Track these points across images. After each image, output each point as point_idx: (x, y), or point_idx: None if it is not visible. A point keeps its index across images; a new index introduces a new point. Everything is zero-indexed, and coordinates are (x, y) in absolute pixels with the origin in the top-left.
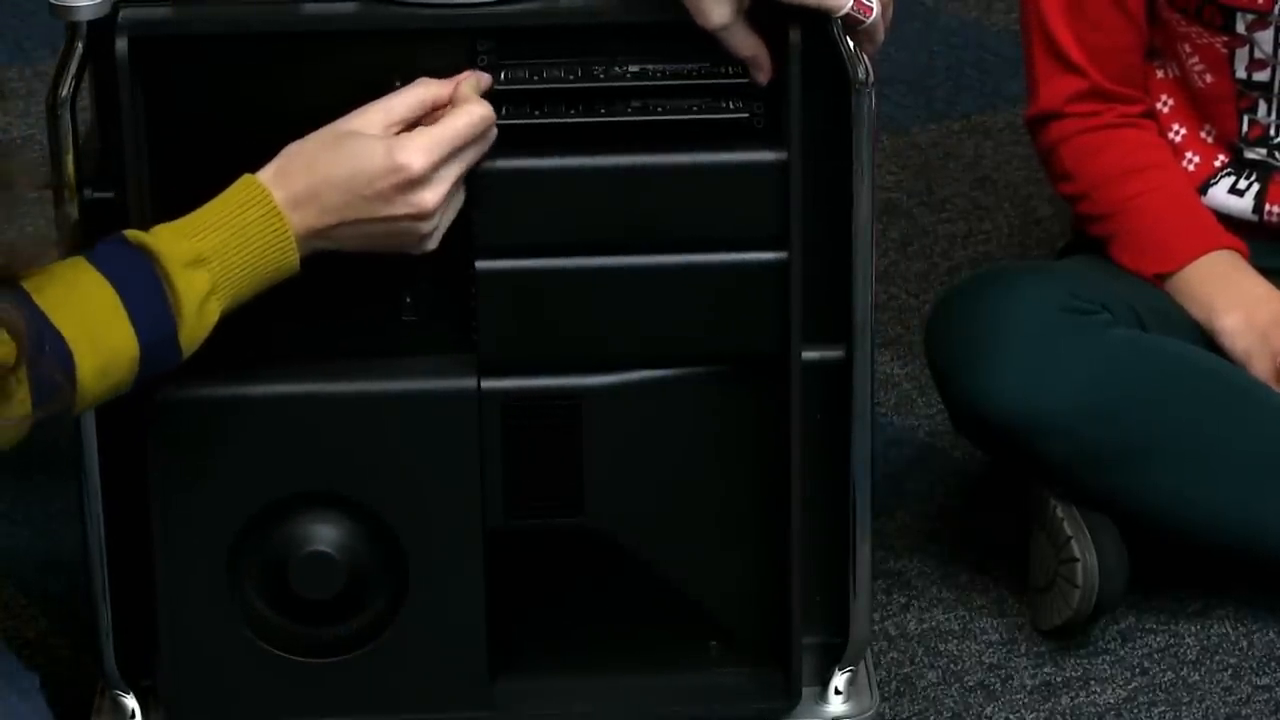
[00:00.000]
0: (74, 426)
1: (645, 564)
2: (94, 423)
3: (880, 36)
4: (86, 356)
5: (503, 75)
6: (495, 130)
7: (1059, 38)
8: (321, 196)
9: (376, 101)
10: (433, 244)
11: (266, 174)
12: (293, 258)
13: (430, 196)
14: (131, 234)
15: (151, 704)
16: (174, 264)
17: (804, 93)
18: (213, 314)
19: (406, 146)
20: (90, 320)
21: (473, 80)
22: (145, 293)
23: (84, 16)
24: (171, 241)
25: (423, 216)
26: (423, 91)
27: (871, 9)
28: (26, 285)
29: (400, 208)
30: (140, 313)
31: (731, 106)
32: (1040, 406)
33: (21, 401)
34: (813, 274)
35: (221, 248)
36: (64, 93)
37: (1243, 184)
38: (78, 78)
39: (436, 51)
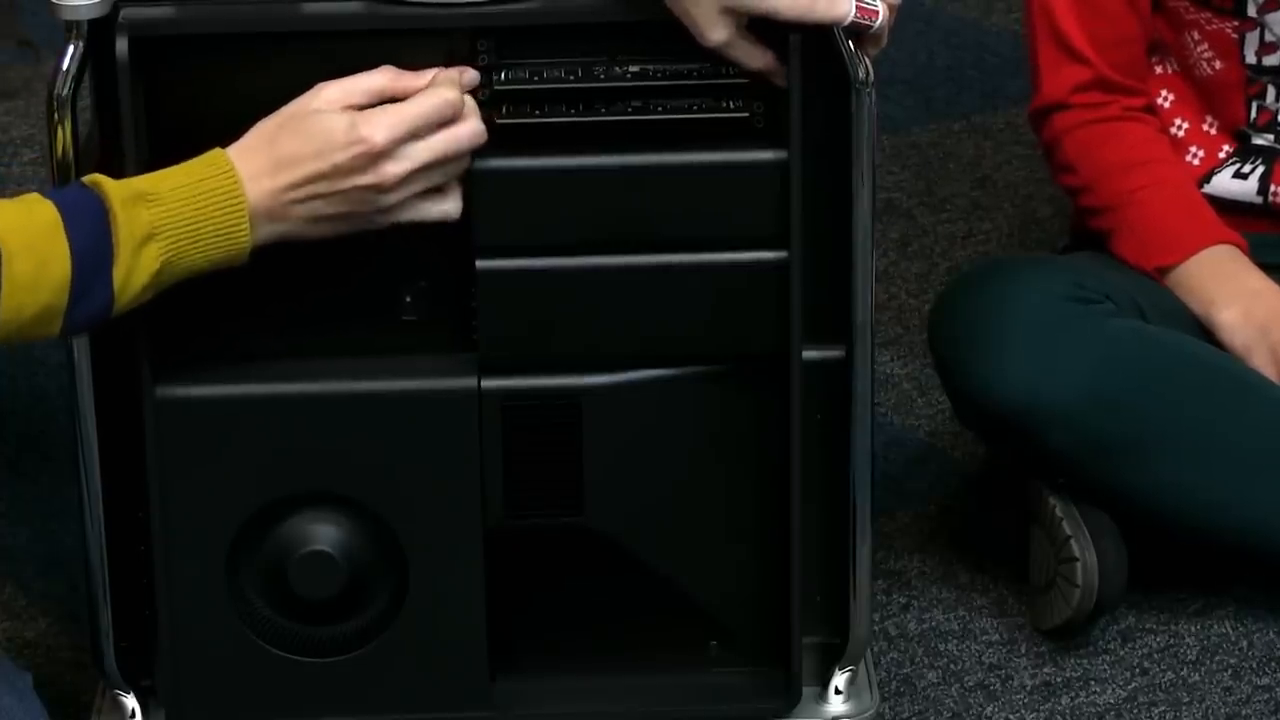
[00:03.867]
0: (73, 427)
1: (645, 564)
2: (94, 423)
3: (884, 38)
4: (18, 259)
5: (503, 75)
6: (476, 122)
7: (1064, 26)
8: (283, 173)
9: (336, 80)
10: (390, 219)
11: (230, 150)
12: (243, 231)
13: (393, 168)
14: (86, 178)
15: (151, 704)
16: (117, 198)
17: (804, 93)
18: (151, 260)
19: (369, 120)
20: (27, 227)
21: (453, 73)
22: (85, 214)
23: (84, 16)
24: (120, 182)
25: (383, 188)
26: (384, 78)
27: (877, 12)
28: None
29: (361, 178)
30: (77, 230)
31: (731, 106)
32: (1043, 396)
33: None
34: (813, 274)
35: (170, 195)
36: (64, 92)
37: (1247, 168)
38: (78, 78)
39: (437, 51)
